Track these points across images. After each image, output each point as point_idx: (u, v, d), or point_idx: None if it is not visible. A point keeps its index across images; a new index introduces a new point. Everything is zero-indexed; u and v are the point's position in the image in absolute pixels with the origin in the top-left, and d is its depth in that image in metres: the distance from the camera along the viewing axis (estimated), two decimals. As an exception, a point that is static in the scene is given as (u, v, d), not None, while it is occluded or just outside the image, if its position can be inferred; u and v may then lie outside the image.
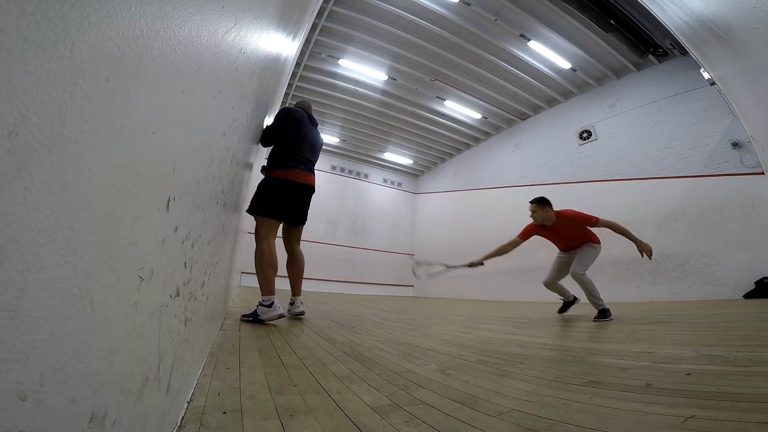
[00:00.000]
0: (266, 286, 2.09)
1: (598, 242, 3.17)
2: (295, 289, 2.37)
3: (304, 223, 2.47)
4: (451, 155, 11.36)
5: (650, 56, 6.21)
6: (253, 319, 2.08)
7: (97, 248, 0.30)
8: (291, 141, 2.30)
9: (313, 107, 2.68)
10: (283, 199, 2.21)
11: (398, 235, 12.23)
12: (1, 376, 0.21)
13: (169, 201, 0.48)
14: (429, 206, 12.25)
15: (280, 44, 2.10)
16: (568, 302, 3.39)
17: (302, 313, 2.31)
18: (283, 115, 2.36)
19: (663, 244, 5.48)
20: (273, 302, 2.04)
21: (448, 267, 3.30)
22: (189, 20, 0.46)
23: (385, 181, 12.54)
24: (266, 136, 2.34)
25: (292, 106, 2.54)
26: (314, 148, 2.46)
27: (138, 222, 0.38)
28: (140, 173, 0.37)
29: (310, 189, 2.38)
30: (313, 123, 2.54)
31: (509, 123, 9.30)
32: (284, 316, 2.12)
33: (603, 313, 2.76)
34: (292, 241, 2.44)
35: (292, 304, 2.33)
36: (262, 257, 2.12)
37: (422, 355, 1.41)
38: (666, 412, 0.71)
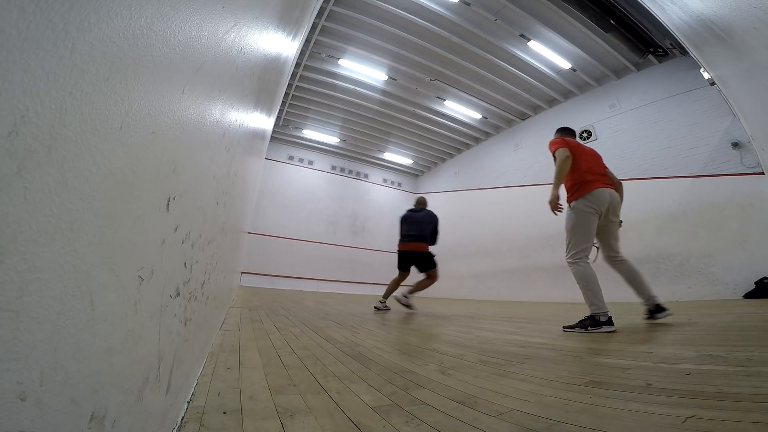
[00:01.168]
0: (388, 291, 4.04)
1: (580, 195, 2.06)
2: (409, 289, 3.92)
3: (424, 270, 4.05)
4: (451, 155, 11.36)
5: (650, 56, 6.22)
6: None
7: (97, 248, 0.30)
8: (401, 231, 4.26)
9: (422, 202, 4.70)
10: (400, 260, 4.15)
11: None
12: (1, 376, 0.21)
13: (169, 201, 0.48)
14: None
15: (280, 44, 2.10)
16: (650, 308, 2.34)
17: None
18: (400, 220, 4.35)
19: (663, 244, 5.49)
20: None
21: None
22: (189, 20, 0.46)
23: (385, 181, 12.54)
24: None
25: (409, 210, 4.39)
26: (418, 223, 4.17)
27: (138, 222, 0.38)
28: (140, 173, 0.37)
29: (413, 253, 4.08)
30: (418, 210, 4.33)
31: (509, 123, 9.30)
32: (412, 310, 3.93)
33: (591, 321, 2.05)
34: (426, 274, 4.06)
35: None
36: (393, 282, 4.07)
37: (422, 355, 1.41)
38: (666, 412, 0.71)
